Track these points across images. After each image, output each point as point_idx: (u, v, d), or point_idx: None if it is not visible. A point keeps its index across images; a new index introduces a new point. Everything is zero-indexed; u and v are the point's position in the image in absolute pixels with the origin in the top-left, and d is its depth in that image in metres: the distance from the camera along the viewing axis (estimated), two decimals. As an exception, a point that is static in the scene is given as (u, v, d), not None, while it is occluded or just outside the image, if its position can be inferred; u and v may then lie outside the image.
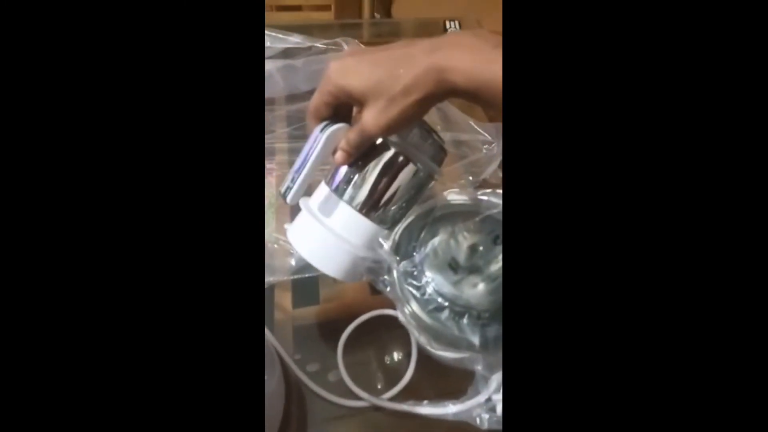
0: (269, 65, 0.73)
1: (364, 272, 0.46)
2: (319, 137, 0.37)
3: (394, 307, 0.48)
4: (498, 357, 0.43)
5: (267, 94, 0.73)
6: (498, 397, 0.41)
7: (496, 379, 0.41)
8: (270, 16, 1.45)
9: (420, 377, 0.46)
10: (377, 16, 1.70)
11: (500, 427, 0.40)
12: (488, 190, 0.58)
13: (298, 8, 1.53)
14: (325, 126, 0.37)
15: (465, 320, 0.46)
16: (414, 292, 0.48)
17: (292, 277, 0.52)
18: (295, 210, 0.43)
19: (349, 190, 0.40)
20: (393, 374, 0.47)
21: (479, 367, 0.42)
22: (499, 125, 0.68)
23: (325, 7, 1.53)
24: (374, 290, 0.49)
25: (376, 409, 0.44)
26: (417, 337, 0.46)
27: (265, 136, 0.66)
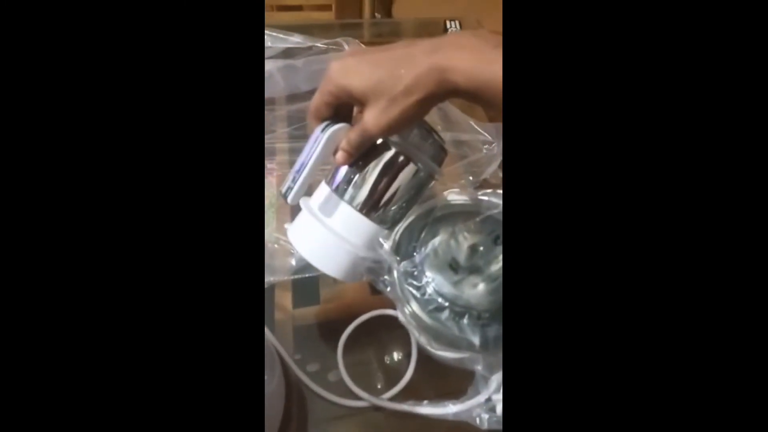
0: (270, 65, 0.73)
1: (365, 272, 0.46)
2: (320, 137, 0.37)
3: (394, 307, 0.48)
4: (498, 357, 0.43)
5: (267, 94, 0.73)
6: (498, 397, 0.41)
7: (496, 379, 0.41)
8: (270, 16, 1.45)
9: (420, 377, 0.46)
10: (378, 16, 1.70)
11: (500, 427, 0.40)
12: (488, 191, 0.58)
13: (298, 8, 1.53)
14: (326, 126, 0.37)
15: (465, 320, 0.46)
16: (414, 292, 0.48)
17: (292, 277, 0.52)
18: (295, 210, 0.43)
19: (350, 190, 0.40)
20: (393, 374, 0.47)
21: (479, 367, 0.42)
22: (500, 125, 0.68)
23: (326, 7, 1.53)
24: (374, 290, 0.49)
25: (376, 409, 0.44)
26: (417, 337, 0.46)
27: (266, 136, 0.66)
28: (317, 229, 0.41)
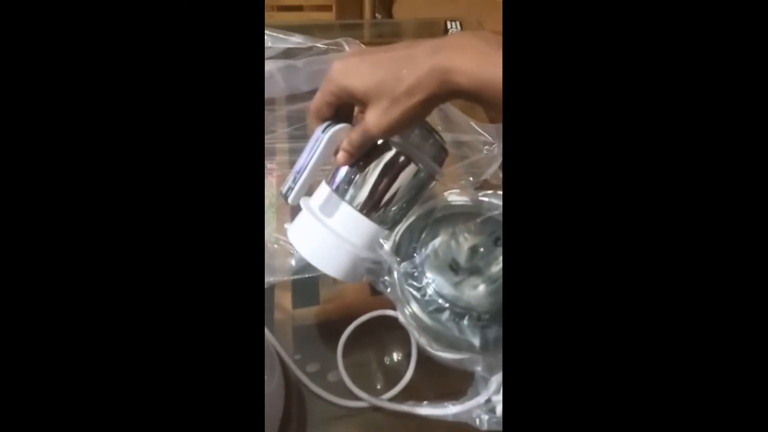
0: (270, 65, 0.73)
1: (365, 273, 0.46)
2: (321, 137, 0.37)
3: (394, 308, 0.48)
4: (498, 358, 0.43)
5: (268, 95, 0.73)
6: (498, 398, 0.41)
7: (496, 380, 0.41)
8: (271, 17, 1.46)
9: (420, 378, 0.46)
10: (378, 16, 1.70)
11: (500, 428, 0.40)
12: (489, 191, 0.58)
13: (299, 8, 1.53)
14: (327, 126, 0.37)
15: (465, 321, 0.46)
16: (414, 293, 0.48)
17: (292, 278, 0.52)
18: (295, 210, 0.43)
19: (350, 191, 0.40)
20: (393, 375, 0.47)
21: (479, 368, 0.42)
22: (500, 126, 0.68)
23: (326, 8, 1.53)
24: (374, 291, 0.49)
25: (376, 409, 0.44)
26: (417, 337, 0.46)
27: (266, 137, 0.66)
28: (317, 229, 0.41)
